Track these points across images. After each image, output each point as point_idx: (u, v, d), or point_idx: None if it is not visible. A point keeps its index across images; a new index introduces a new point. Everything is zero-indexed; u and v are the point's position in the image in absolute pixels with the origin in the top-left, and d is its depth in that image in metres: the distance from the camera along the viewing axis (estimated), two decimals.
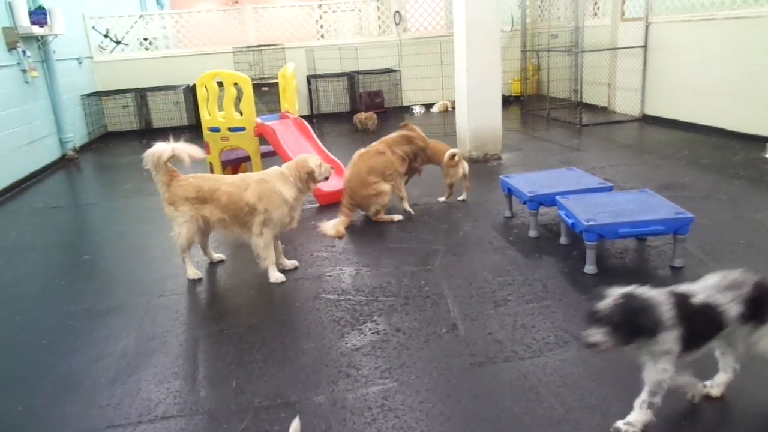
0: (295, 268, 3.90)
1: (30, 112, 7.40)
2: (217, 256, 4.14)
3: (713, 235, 3.98)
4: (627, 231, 3.42)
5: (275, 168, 3.75)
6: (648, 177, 5.50)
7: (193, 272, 3.84)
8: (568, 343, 2.79)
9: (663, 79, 8.09)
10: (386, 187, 4.68)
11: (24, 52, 7.17)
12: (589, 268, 3.52)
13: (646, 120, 8.41)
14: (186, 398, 2.58)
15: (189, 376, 2.74)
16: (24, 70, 7.23)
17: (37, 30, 7.35)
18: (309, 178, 3.67)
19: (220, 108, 5.69)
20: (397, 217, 4.76)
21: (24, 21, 7.12)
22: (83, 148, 8.99)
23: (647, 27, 8.23)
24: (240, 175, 3.84)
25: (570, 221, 3.65)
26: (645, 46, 8.29)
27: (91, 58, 10.27)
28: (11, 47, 6.96)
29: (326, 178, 3.80)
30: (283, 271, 3.82)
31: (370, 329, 3.05)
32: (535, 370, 2.59)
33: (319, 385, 2.60)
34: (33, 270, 4.33)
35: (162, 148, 3.63)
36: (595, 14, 9.61)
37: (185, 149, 3.68)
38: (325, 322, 3.17)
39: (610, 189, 4.16)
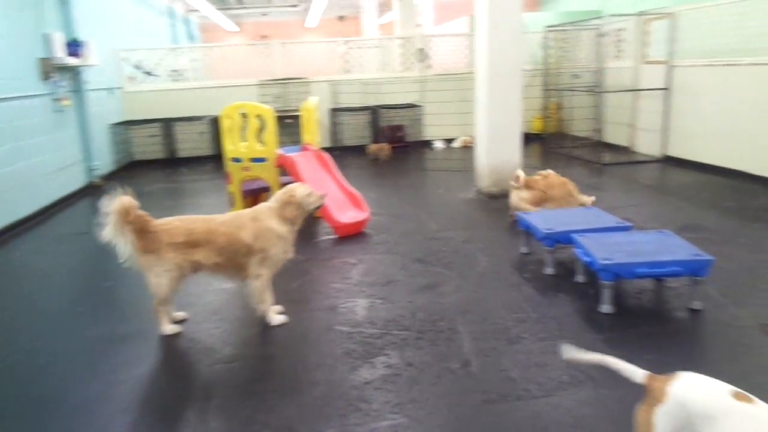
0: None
1: (60, 140, 7.63)
2: (180, 314, 3.71)
3: (733, 279, 3.92)
4: (644, 271, 3.39)
5: (263, 204, 3.61)
6: (668, 218, 5.45)
7: (170, 328, 3.51)
8: (583, 383, 2.74)
9: (685, 121, 8.08)
10: None
11: (57, 81, 7.43)
12: (606, 308, 3.48)
13: (668, 161, 8.37)
14: (195, 428, 2.58)
15: (200, 406, 2.75)
16: (56, 99, 7.48)
17: (72, 61, 7.63)
18: (297, 208, 3.54)
19: (243, 139, 5.81)
20: None
21: (60, 52, 7.40)
22: (110, 176, 9.20)
23: (670, 70, 8.26)
24: (230, 214, 3.59)
25: (586, 259, 3.63)
26: (667, 89, 8.30)
27: (121, 88, 10.60)
28: (46, 77, 7.23)
29: (318, 208, 3.70)
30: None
31: (382, 363, 3.04)
32: (547, 410, 2.55)
33: (329, 418, 2.59)
34: (56, 295, 4.42)
35: (126, 199, 3.26)
36: (617, 56, 9.68)
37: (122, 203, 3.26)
38: (337, 355, 3.17)
39: (628, 228, 4.13)
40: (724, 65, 7.28)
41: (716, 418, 1.69)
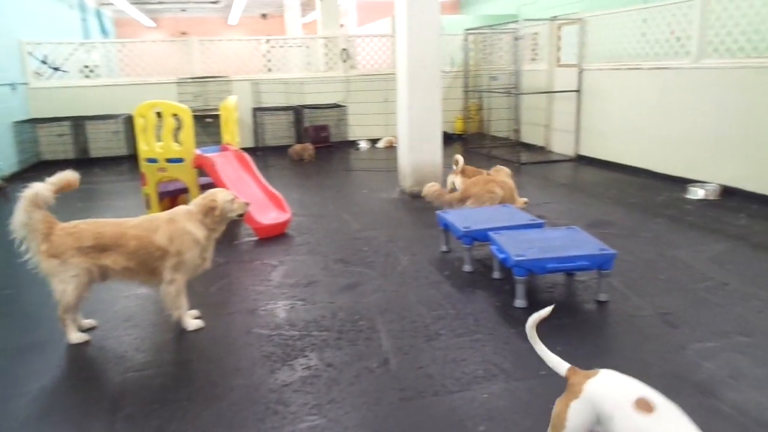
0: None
1: None
2: (88, 322, 3.52)
3: (636, 271, 4.16)
4: (554, 266, 3.54)
5: (182, 207, 3.47)
6: (579, 214, 5.73)
7: (76, 336, 3.32)
8: (496, 377, 2.83)
9: (595, 122, 8.51)
10: None
11: None
12: (519, 302, 3.61)
13: (580, 160, 8.79)
14: None
15: (107, 417, 2.62)
16: None
17: None
18: (218, 215, 3.40)
19: (159, 139, 5.60)
20: None
21: None
22: (13, 177, 8.63)
23: (580, 73, 8.67)
24: (145, 217, 3.44)
25: (501, 256, 3.75)
26: (578, 91, 8.72)
27: (27, 84, 9.97)
28: None
29: (241, 215, 3.57)
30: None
31: (301, 365, 3.02)
32: (462, 404, 2.62)
33: (245, 423, 2.54)
34: None
35: (40, 186, 3.14)
36: (533, 59, 10.06)
37: (63, 177, 3.25)
38: (255, 358, 3.11)
39: (540, 225, 4.31)
40: (628, 69, 7.73)
41: (613, 420, 1.79)
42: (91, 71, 10.61)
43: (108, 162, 9.98)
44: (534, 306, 3.60)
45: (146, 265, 3.30)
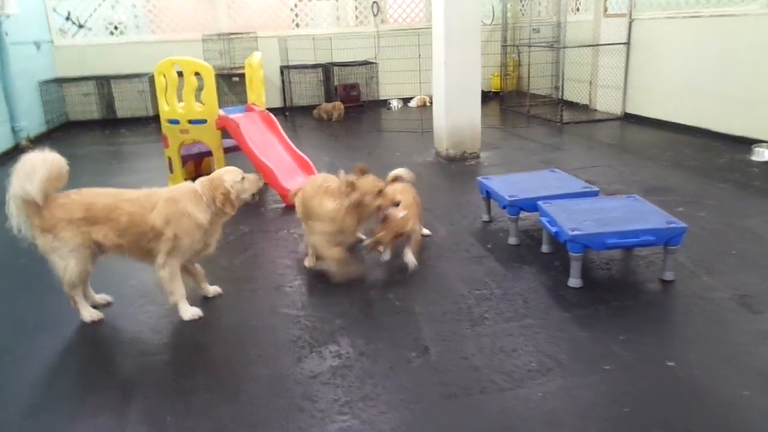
0: (219, 295, 3.33)
1: None
2: (101, 297, 3.29)
3: (703, 245, 3.72)
4: (615, 242, 3.12)
5: (188, 184, 3.08)
6: (632, 180, 5.24)
7: (89, 313, 3.08)
8: (552, 371, 2.48)
9: (646, 77, 7.86)
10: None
11: None
12: (574, 281, 3.22)
13: (628, 119, 8.18)
14: None
15: (118, 409, 2.37)
16: None
17: None
18: (225, 199, 2.99)
19: (181, 99, 5.28)
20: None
21: None
22: (41, 138, 8.46)
23: (630, 23, 7.98)
24: (144, 191, 3.04)
25: (553, 229, 3.34)
26: (628, 43, 8.05)
27: (52, 42, 9.71)
28: None
29: (254, 196, 3.16)
30: (206, 298, 3.29)
31: (331, 352, 2.71)
32: (516, 405, 2.28)
33: (267, 421, 2.26)
34: None
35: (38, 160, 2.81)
36: (578, 9, 9.36)
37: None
38: (280, 343, 2.82)
39: (595, 194, 3.87)
40: (685, 17, 7.04)
41: None
42: (116, 28, 10.29)
43: (134, 122, 9.74)
44: (590, 286, 3.23)
45: (138, 244, 2.96)
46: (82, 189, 3.00)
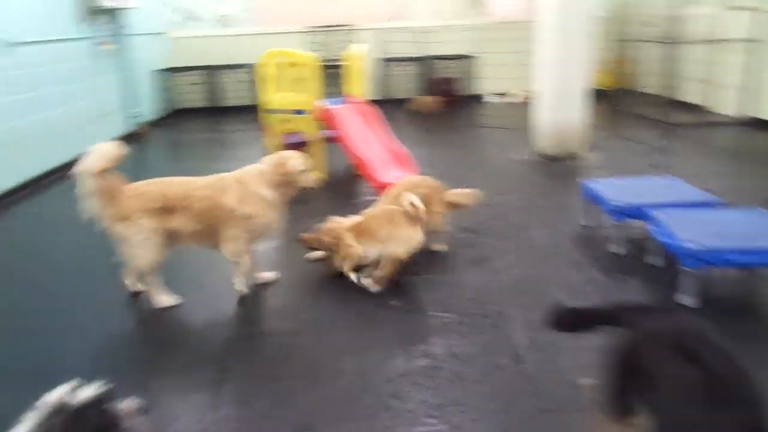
0: (275, 281, 3.40)
1: (100, 86, 7.39)
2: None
3: None
4: (738, 259, 2.85)
5: (253, 166, 3.19)
6: (753, 191, 4.78)
7: (167, 298, 3.16)
8: None
9: None
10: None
11: (97, 24, 7.15)
12: (687, 300, 2.96)
13: (751, 124, 7.51)
14: (203, 416, 2.28)
15: (214, 389, 2.44)
16: (97, 44, 7.22)
17: (109, 2, 7.29)
18: (286, 180, 3.13)
19: (283, 89, 5.40)
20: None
21: None
22: (154, 124, 9.00)
23: (759, 17, 7.30)
24: (214, 176, 3.16)
25: (665, 240, 3.10)
26: (755, 40, 7.37)
27: (166, 33, 10.29)
28: (84, 19, 6.94)
29: (308, 189, 3.28)
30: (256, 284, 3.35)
31: (421, 351, 2.65)
32: None
33: (353, 416, 2.24)
34: (81, 248, 4.18)
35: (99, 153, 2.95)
36: (695, 1, 8.69)
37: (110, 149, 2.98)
38: (371, 337, 2.80)
39: (715, 204, 3.54)
40: None
41: None
42: (227, 20, 10.73)
43: (237, 111, 10.14)
44: (706, 305, 2.96)
45: (214, 228, 3.07)
46: (156, 179, 3.10)
